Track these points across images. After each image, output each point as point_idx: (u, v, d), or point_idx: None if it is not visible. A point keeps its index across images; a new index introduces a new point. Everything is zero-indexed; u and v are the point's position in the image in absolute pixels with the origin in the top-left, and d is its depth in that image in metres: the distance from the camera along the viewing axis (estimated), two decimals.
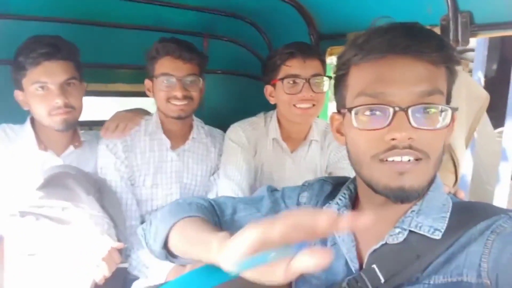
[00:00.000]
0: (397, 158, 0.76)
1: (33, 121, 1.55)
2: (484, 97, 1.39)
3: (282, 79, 1.59)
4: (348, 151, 0.86)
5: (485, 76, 4.14)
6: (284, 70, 1.59)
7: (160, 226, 0.95)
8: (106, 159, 1.64)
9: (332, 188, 1.04)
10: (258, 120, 1.77)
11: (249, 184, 1.68)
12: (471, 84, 1.34)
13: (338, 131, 0.90)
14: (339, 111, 0.88)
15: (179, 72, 1.60)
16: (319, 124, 1.82)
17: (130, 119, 1.71)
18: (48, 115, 1.46)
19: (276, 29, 2.04)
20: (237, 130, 1.73)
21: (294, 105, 1.59)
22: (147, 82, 1.71)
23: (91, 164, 1.64)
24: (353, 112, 0.79)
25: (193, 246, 0.84)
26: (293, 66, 1.57)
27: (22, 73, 1.44)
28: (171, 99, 1.62)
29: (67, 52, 1.50)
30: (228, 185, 1.63)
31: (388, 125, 0.75)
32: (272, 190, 1.11)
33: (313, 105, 1.59)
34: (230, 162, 1.68)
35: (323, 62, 1.64)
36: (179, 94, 1.60)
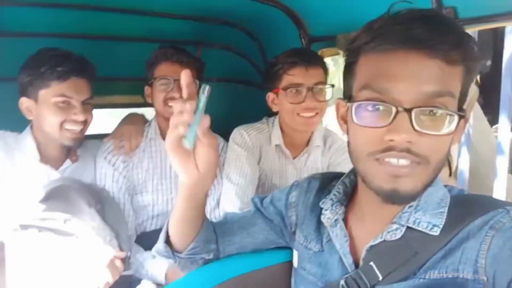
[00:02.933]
0: (394, 160, 0.73)
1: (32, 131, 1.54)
2: (473, 90, 1.41)
3: (285, 88, 1.60)
4: (348, 142, 0.84)
5: (479, 73, 4.15)
6: (287, 79, 1.60)
7: (164, 227, 1.01)
8: (103, 170, 1.65)
9: (320, 183, 1.04)
10: (261, 126, 1.78)
11: (254, 188, 1.66)
12: None
13: (343, 119, 0.87)
14: (345, 99, 0.85)
15: (177, 74, 1.59)
16: (320, 130, 1.83)
17: (134, 135, 1.71)
18: (60, 128, 1.46)
19: (268, 34, 2.07)
20: (242, 133, 1.73)
21: (298, 114, 1.60)
22: (146, 88, 1.75)
23: (88, 177, 1.64)
24: (354, 106, 0.76)
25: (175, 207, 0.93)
26: (295, 75, 1.58)
27: (44, 83, 1.44)
28: (168, 101, 1.66)
29: (92, 71, 1.55)
30: (232, 190, 1.62)
31: (389, 125, 0.72)
32: (261, 200, 1.13)
33: (316, 113, 1.61)
34: (234, 166, 1.66)
35: (325, 70, 1.65)
36: (176, 95, 1.64)
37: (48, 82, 1.43)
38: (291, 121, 1.65)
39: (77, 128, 1.49)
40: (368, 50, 0.76)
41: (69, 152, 1.62)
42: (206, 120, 0.78)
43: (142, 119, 1.85)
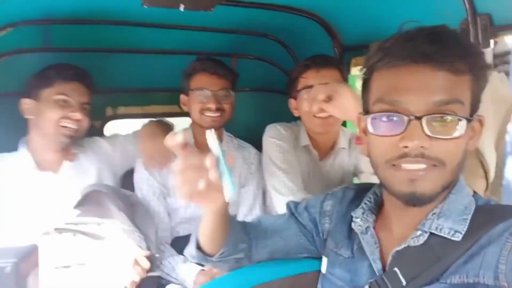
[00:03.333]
0: (409, 166, 0.78)
1: (25, 146, 1.63)
2: (511, 98, 1.34)
3: (299, 90, 1.64)
4: (368, 152, 0.89)
5: None
6: (301, 82, 1.65)
7: (193, 232, 1.07)
8: (140, 175, 1.75)
9: (354, 193, 1.07)
10: (292, 126, 1.82)
11: (300, 177, 1.69)
12: (496, 86, 1.29)
13: (365, 132, 0.92)
14: (364, 113, 0.91)
15: (214, 86, 1.72)
16: (345, 132, 1.84)
17: (164, 155, 1.69)
18: (57, 124, 1.56)
19: (301, 44, 2.08)
20: (277, 128, 1.78)
21: (314, 116, 1.61)
22: (182, 97, 1.82)
23: (91, 174, 1.70)
24: (370, 118, 0.83)
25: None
26: (308, 77, 1.62)
27: (48, 83, 1.57)
28: (205, 111, 1.73)
29: (91, 81, 1.68)
30: (283, 175, 1.64)
31: (402, 132, 0.77)
32: (295, 205, 1.17)
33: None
34: (278, 156, 1.70)
35: (341, 71, 1.65)
36: (212, 106, 1.71)
37: (52, 82, 1.57)
38: (309, 123, 1.68)
39: (73, 126, 1.59)
40: (380, 67, 0.83)
41: (66, 153, 1.68)
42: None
43: (164, 124, 1.88)
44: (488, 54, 1.27)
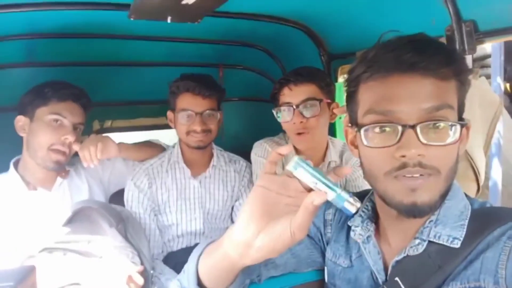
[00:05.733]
0: (409, 175, 0.77)
1: (16, 166, 1.61)
2: (498, 102, 1.37)
3: (280, 107, 1.61)
4: (361, 165, 0.87)
5: (509, 81, 4.02)
6: (281, 99, 1.62)
7: (189, 264, 0.85)
8: (131, 193, 1.74)
9: None
10: (279, 140, 1.80)
11: None
12: (483, 90, 1.31)
13: (353, 144, 0.91)
14: (352, 125, 0.89)
15: (198, 107, 1.69)
16: (336, 144, 1.79)
17: (100, 140, 1.62)
18: (48, 149, 1.53)
19: (288, 53, 2.08)
20: (264, 146, 1.76)
21: (293, 132, 1.60)
22: (169, 113, 1.80)
23: (83, 191, 1.69)
24: (362, 130, 0.81)
25: (213, 256, 0.77)
26: (284, 94, 1.60)
27: (43, 102, 1.54)
28: (190, 132, 1.71)
29: (87, 102, 1.65)
30: None
31: (398, 142, 0.76)
32: None
33: (308, 131, 1.57)
34: None
35: (319, 85, 1.59)
36: (198, 128, 1.69)
37: (47, 101, 1.54)
38: (291, 139, 1.65)
39: (64, 149, 1.56)
40: (366, 79, 0.82)
41: (59, 170, 1.65)
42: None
43: (151, 143, 1.88)
44: (468, 59, 1.29)
